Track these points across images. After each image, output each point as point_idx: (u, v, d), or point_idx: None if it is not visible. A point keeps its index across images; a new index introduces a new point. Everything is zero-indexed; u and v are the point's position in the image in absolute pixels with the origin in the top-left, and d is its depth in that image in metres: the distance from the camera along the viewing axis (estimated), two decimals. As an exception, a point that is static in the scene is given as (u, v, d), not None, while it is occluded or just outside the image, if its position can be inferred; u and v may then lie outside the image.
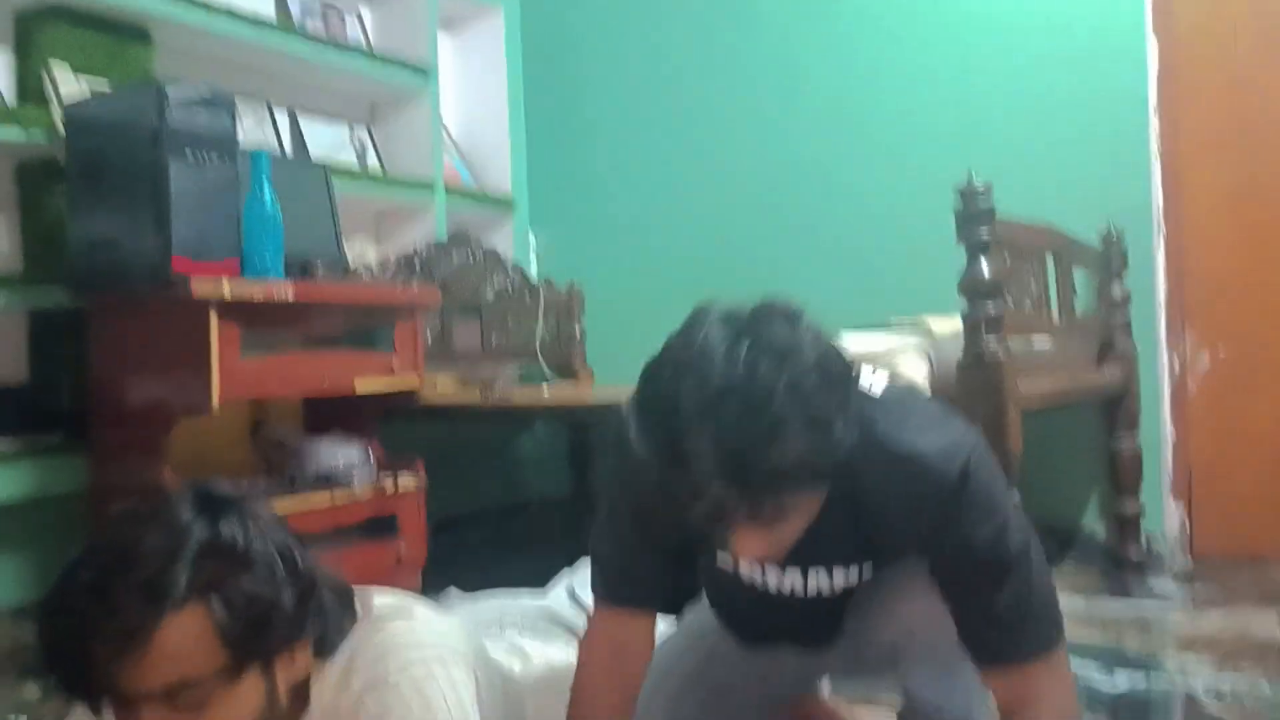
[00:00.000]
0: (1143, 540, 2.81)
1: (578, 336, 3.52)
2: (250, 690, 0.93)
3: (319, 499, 2.21)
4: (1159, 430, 2.88)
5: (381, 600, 1.07)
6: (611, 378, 3.39)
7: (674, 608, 1.27)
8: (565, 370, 3.43)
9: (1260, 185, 2.82)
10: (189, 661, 0.88)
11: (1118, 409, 2.79)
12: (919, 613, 1.16)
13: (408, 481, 2.40)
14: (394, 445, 2.50)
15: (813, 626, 1.32)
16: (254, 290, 2.02)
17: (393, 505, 2.37)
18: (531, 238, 3.71)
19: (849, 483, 1.03)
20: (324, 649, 1.01)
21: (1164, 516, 2.88)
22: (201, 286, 1.93)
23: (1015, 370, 1.93)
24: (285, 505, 2.11)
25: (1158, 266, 2.89)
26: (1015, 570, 1.06)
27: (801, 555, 1.07)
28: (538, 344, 3.35)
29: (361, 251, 2.96)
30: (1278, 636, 2.15)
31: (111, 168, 2.08)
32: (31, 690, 0.92)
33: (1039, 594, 1.08)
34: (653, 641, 1.23)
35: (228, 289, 1.97)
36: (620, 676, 1.20)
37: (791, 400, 0.90)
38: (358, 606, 1.05)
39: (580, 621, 1.40)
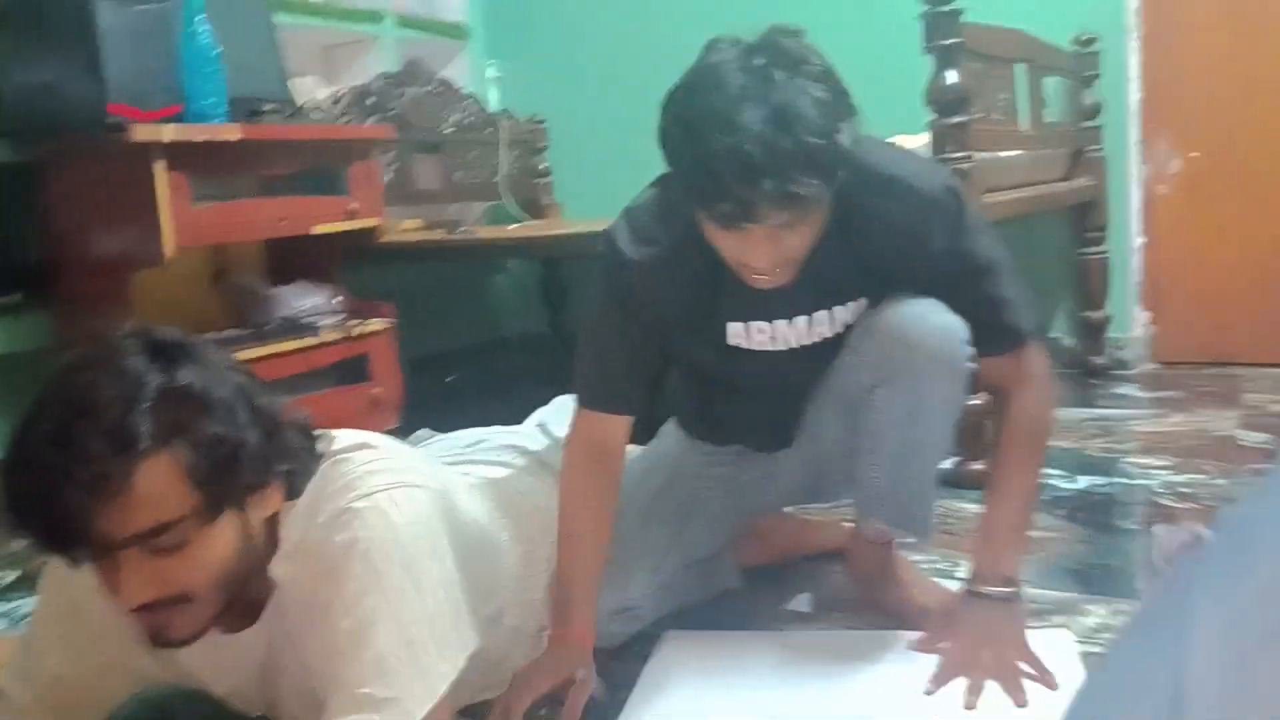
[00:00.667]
0: (1108, 347, 2.86)
1: (543, 172, 3.44)
2: (226, 531, 0.94)
3: (287, 345, 2.20)
4: (1127, 239, 2.88)
5: (345, 437, 1.07)
6: (580, 214, 3.33)
7: (645, 411, 1.33)
8: (532, 208, 3.37)
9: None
10: (163, 506, 0.88)
11: (1086, 218, 2.78)
12: (899, 303, 1.23)
13: (376, 324, 2.39)
14: (366, 291, 2.47)
15: (786, 405, 1.38)
16: (197, 134, 1.95)
17: (362, 348, 2.36)
18: (489, 68, 3.57)
19: (846, 210, 1.13)
20: (293, 487, 1.02)
21: (1130, 323, 2.92)
22: (141, 132, 1.86)
23: (981, 181, 1.91)
24: (253, 352, 2.11)
25: (1131, 71, 2.83)
26: (1005, 266, 1.24)
27: (807, 297, 1.20)
28: (500, 178, 3.28)
29: (310, 89, 2.85)
30: (1235, 434, 2.21)
31: (38, 7, 1.96)
32: (19, 543, 0.92)
33: (1019, 289, 1.26)
34: (627, 442, 1.32)
35: (169, 133, 1.90)
36: (601, 475, 1.29)
37: (806, 99, 1.01)
38: (322, 444, 1.06)
39: (549, 455, 1.43)
